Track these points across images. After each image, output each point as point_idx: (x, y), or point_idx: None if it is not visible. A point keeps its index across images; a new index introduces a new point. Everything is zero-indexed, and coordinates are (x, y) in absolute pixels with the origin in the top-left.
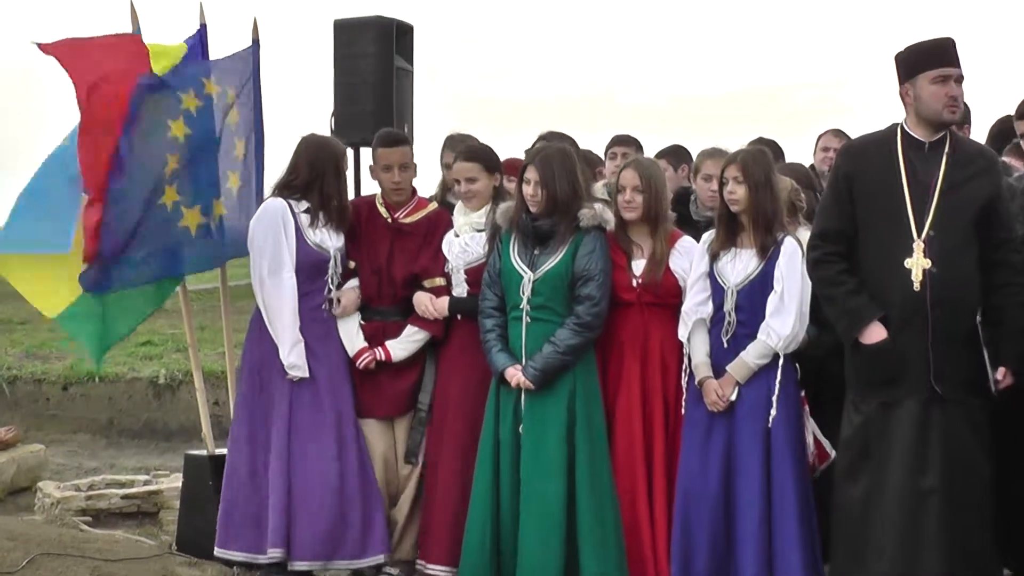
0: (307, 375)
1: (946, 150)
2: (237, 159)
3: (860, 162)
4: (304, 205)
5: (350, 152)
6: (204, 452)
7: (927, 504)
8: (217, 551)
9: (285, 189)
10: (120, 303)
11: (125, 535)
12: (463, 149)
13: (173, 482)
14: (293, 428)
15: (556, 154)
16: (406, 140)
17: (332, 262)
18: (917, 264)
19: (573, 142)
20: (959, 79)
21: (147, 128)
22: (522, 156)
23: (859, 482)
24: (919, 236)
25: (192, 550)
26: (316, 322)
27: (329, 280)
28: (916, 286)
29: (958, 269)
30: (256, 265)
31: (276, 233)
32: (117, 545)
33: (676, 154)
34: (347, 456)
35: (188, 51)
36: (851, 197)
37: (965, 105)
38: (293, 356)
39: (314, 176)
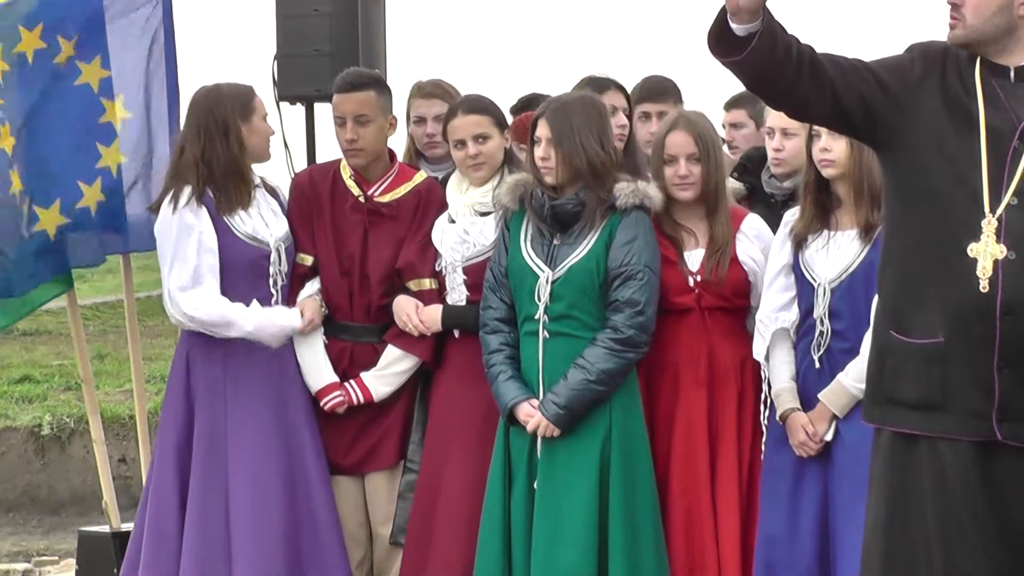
0: (306, 323)
1: None
2: (113, 126)
3: (933, 72)
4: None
5: (301, 111)
6: (106, 528)
7: None
8: None
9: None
10: None
11: None
12: (464, 98)
13: (63, 571)
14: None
15: (577, 104)
16: (368, 84)
17: (275, 256)
18: (985, 252)
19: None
20: None
21: None
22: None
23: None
24: (992, 210)
25: None
26: (258, 346)
27: (271, 283)
28: (983, 285)
29: None
30: (164, 281)
31: (182, 233)
32: None
33: (756, 100)
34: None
35: None
36: (896, 90)
37: None
38: (288, 320)
39: (204, 142)
